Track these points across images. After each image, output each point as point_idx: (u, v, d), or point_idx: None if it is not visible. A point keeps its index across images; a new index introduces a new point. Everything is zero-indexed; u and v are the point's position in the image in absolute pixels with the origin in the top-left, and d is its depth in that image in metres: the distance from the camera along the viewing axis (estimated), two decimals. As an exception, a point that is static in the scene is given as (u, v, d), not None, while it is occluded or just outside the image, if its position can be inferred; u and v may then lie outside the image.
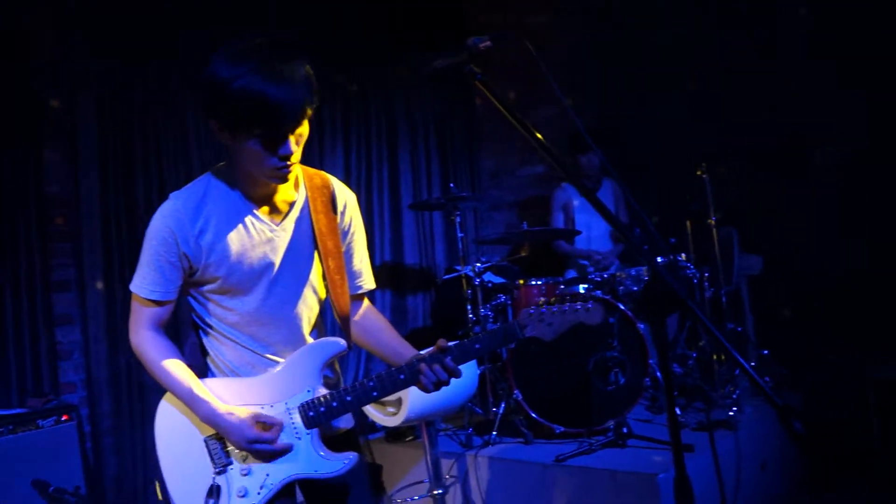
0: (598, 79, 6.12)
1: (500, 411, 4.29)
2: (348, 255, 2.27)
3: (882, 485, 4.23)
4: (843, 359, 4.89)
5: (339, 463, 2.08)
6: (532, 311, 2.12)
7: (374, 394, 2.09)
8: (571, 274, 5.53)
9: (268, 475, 2.05)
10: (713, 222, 4.68)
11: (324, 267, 2.17)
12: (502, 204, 6.72)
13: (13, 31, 4.07)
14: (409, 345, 2.29)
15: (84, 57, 4.28)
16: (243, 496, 2.04)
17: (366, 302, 2.37)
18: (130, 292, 2.12)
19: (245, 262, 2.06)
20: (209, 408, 2.03)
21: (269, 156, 1.92)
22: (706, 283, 4.73)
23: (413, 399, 3.48)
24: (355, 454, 2.10)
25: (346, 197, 2.26)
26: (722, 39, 5.38)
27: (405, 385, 2.11)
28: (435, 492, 3.63)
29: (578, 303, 2.12)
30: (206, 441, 2.09)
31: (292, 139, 1.93)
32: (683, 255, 4.67)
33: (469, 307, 4.56)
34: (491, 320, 4.59)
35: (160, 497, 2.09)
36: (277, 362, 2.14)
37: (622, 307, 4.19)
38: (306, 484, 2.19)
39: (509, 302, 4.63)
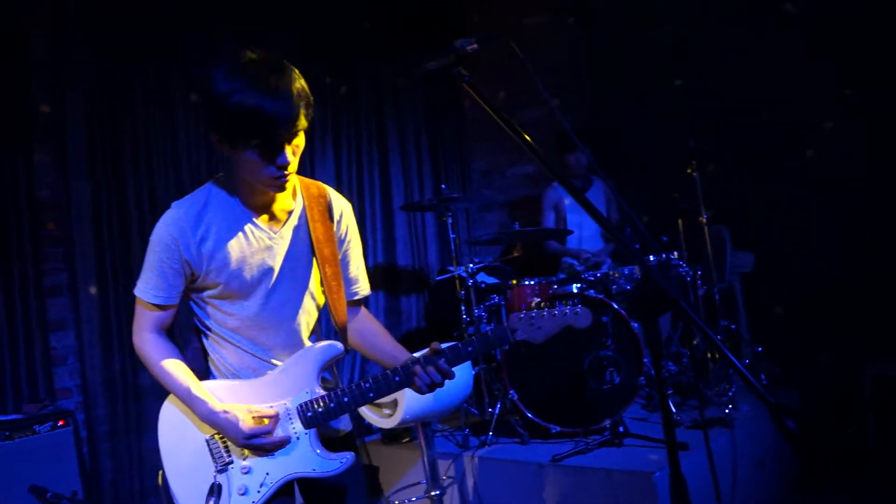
0: (596, 78, 6.13)
1: (496, 412, 4.30)
2: (345, 263, 2.34)
3: (878, 482, 4.24)
4: (838, 356, 4.91)
5: (336, 462, 2.13)
6: (522, 315, 2.17)
7: (371, 395, 2.15)
8: (563, 275, 5.54)
9: (267, 474, 2.11)
10: (705, 220, 4.69)
11: (321, 273, 2.24)
12: (493, 204, 6.73)
13: (12, 32, 4.05)
14: (403, 348, 2.34)
15: (73, 59, 4.27)
16: (244, 494, 2.09)
17: (362, 308, 2.44)
18: (125, 297, 2.17)
19: (245, 268, 2.13)
20: (207, 406, 2.09)
21: (267, 165, 1.99)
22: (699, 282, 4.75)
23: (409, 401, 3.49)
24: (352, 454, 2.16)
25: (342, 206, 2.33)
26: (717, 37, 5.39)
27: (400, 386, 2.16)
28: (432, 493, 3.63)
29: (568, 306, 2.17)
30: (207, 441, 2.15)
31: (289, 149, 2.00)
32: (676, 254, 4.68)
33: (463, 308, 4.56)
34: (485, 321, 4.59)
35: (160, 483, 2.16)
36: (277, 366, 2.20)
37: (616, 306, 4.20)
38: (305, 484, 2.24)
39: (503, 302, 4.63)
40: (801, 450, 4.34)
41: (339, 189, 2.35)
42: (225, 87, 1.92)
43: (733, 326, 4.97)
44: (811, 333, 5.09)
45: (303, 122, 1.97)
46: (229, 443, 2.13)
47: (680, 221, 4.85)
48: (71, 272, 4.25)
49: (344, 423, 2.32)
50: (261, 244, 2.15)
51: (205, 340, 2.26)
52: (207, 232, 2.11)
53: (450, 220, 4.69)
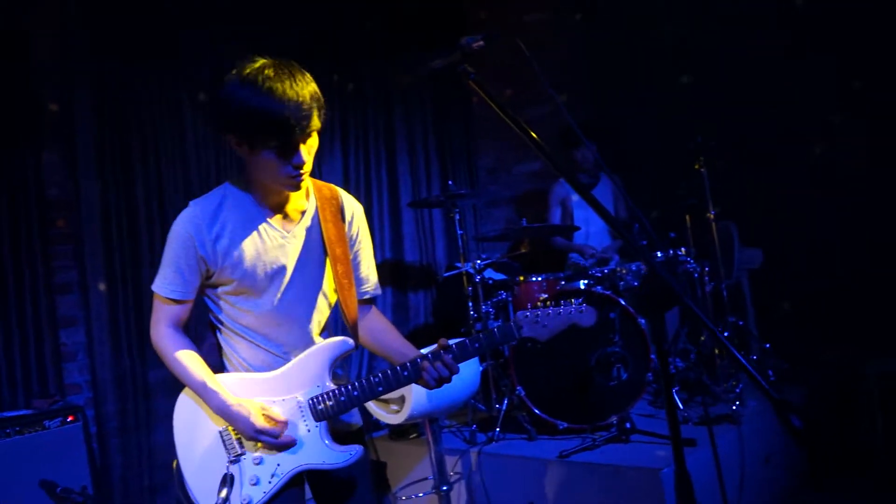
0: (598, 74, 6.12)
1: (504, 408, 4.31)
2: (356, 263, 2.42)
3: (884, 481, 4.23)
4: (845, 353, 4.89)
5: (345, 454, 2.20)
6: (528, 313, 2.25)
7: (380, 389, 2.22)
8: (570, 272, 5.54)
9: (278, 465, 2.17)
10: (712, 216, 4.68)
11: (333, 272, 2.31)
12: (501, 200, 6.74)
13: (12, 32, 4.08)
14: (411, 345, 2.41)
15: (82, 58, 4.30)
16: (255, 484, 2.16)
17: (373, 307, 2.51)
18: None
19: (258, 266, 2.20)
20: (220, 398, 2.16)
21: (284, 165, 2.08)
22: (706, 278, 4.74)
23: (416, 397, 3.49)
24: (361, 447, 2.24)
25: (353, 208, 2.41)
26: (719, 36, 5.38)
27: (408, 381, 2.23)
28: (439, 489, 3.64)
29: (573, 305, 2.25)
30: (220, 432, 2.21)
31: (304, 149, 2.09)
32: (683, 250, 4.68)
33: (470, 304, 4.57)
34: (492, 317, 4.60)
35: (175, 473, 2.23)
36: (289, 361, 2.27)
37: (623, 302, 4.19)
38: (314, 478, 2.30)
39: (510, 298, 4.64)
40: (805, 446, 4.33)
41: (347, 186, 2.40)
42: (242, 92, 2.01)
43: (741, 323, 4.96)
44: (819, 330, 5.07)
45: (316, 123, 2.06)
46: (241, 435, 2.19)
47: (687, 217, 4.84)
48: (80, 269, 4.28)
49: (355, 419, 2.39)
50: (274, 243, 2.22)
51: (219, 336, 2.32)
52: (223, 230, 2.18)
53: (457, 217, 4.70)
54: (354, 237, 2.40)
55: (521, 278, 4.62)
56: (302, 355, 2.25)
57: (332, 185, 2.40)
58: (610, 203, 5.62)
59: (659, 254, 4.49)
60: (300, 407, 2.21)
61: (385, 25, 5.93)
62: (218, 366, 2.31)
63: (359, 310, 2.40)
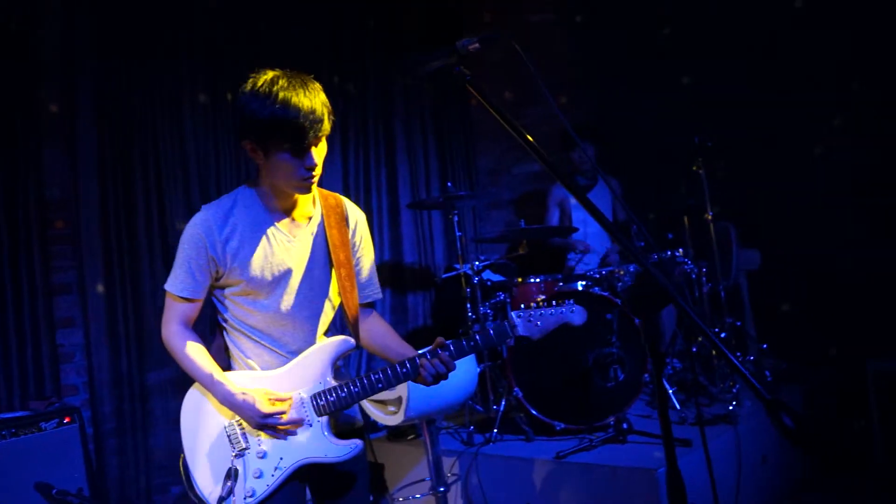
0: (600, 75, 6.12)
1: (501, 409, 4.32)
2: (358, 268, 2.53)
3: (882, 480, 4.23)
4: (844, 353, 4.89)
5: (347, 448, 2.29)
6: (521, 312, 2.36)
7: (380, 385, 2.31)
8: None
9: (281, 458, 2.27)
10: (710, 217, 4.69)
11: (337, 275, 2.43)
12: (500, 201, 6.74)
13: (13, 31, 4.08)
14: (410, 346, 2.51)
15: (82, 58, 4.30)
16: (258, 477, 2.25)
17: (373, 310, 2.62)
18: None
19: (266, 268, 2.31)
20: (225, 389, 2.27)
21: (297, 167, 2.21)
22: (703, 279, 4.75)
23: (413, 397, 3.49)
24: (361, 441, 2.33)
25: (357, 216, 2.54)
26: (720, 35, 5.38)
27: (407, 378, 2.33)
28: (437, 490, 3.64)
29: (563, 305, 2.36)
30: (226, 427, 2.31)
31: (315, 152, 2.21)
32: (681, 251, 4.68)
33: (469, 305, 4.57)
34: (490, 318, 4.60)
35: (181, 466, 2.32)
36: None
37: (620, 303, 4.20)
38: (314, 475, 2.36)
39: (508, 300, 4.64)
40: (799, 446, 4.33)
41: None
42: (257, 102, 2.15)
43: (739, 324, 4.97)
44: (818, 331, 5.07)
45: (326, 127, 2.21)
46: (247, 429, 2.28)
47: (685, 218, 4.85)
48: (79, 270, 4.28)
49: (356, 417, 2.54)
50: (281, 246, 2.33)
51: (226, 336, 2.43)
52: (233, 232, 2.29)
53: (456, 218, 4.70)
54: (357, 244, 2.51)
55: (520, 279, 4.62)
56: (305, 353, 2.35)
57: (337, 195, 2.51)
58: (608, 204, 5.62)
59: (654, 255, 4.50)
60: (303, 403, 2.30)
61: (385, 26, 5.93)
62: (225, 366, 2.39)
63: (360, 312, 2.50)
